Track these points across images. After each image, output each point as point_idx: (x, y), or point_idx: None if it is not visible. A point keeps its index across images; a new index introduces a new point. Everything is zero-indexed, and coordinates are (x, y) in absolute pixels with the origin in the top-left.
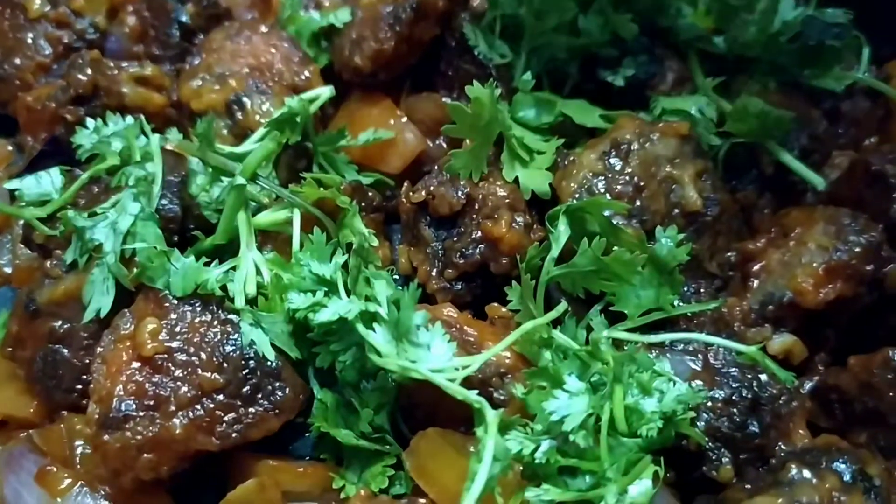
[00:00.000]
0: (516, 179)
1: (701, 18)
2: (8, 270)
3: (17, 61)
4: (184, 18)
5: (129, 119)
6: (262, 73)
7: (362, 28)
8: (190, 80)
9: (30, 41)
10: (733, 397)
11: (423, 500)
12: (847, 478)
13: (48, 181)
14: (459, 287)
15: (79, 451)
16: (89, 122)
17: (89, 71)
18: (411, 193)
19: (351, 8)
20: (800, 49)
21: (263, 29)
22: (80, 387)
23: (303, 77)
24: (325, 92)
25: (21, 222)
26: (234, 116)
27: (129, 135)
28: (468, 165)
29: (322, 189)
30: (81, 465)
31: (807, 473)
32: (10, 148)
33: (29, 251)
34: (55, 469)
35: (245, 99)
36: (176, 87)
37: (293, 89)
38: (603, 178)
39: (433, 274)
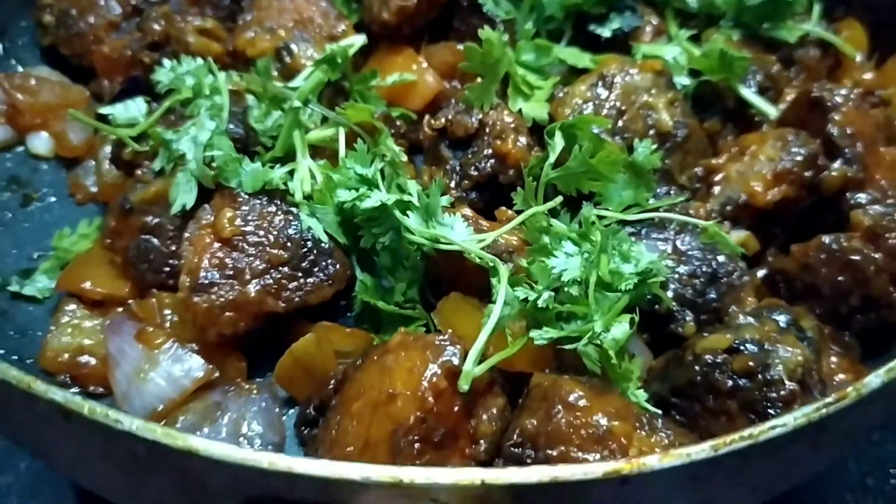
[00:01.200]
0: (520, 110)
1: None
2: (93, 189)
3: (91, 20)
4: None
5: (199, 60)
6: (304, 26)
7: None
8: (244, 32)
9: (102, 2)
10: (695, 272)
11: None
12: (782, 324)
13: (135, 108)
14: (473, 196)
15: (168, 318)
16: (166, 62)
17: (163, 22)
18: (433, 121)
19: None
20: (759, 5)
21: None
22: (167, 269)
23: (339, 29)
24: (360, 39)
25: (108, 146)
26: (283, 61)
27: (199, 73)
28: (480, 97)
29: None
30: (171, 329)
31: (751, 319)
32: (87, 93)
33: (115, 170)
34: (151, 329)
35: (293, 45)
36: (230, 38)
37: (331, 39)
38: (591, 104)
39: (451, 185)
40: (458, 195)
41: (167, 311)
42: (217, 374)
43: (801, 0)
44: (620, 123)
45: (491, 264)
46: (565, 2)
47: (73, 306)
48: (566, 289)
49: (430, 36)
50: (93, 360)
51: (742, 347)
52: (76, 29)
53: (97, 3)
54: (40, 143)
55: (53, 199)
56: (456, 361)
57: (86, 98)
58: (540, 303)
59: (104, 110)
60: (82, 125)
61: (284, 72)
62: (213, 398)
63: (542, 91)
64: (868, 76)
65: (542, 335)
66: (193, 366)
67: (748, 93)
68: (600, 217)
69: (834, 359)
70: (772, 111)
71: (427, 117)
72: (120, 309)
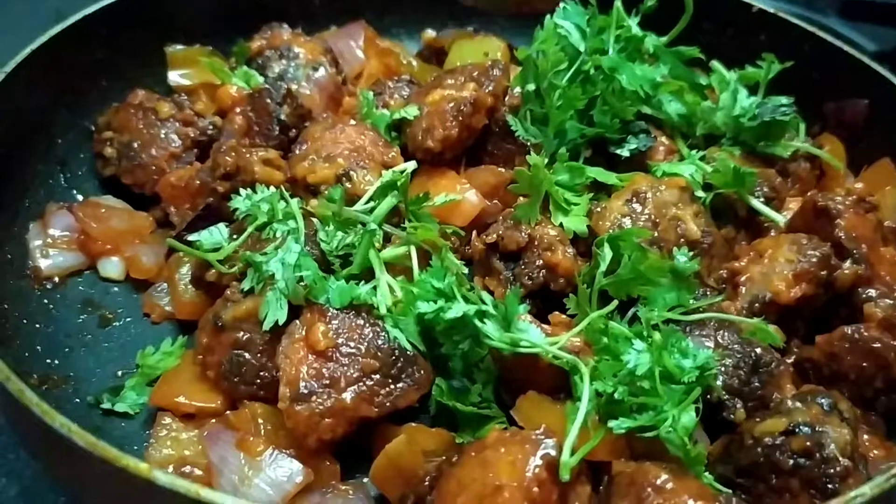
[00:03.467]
0: (561, 224)
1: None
2: (168, 308)
3: (153, 152)
4: (282, 117)
5: (271, 188)
6: (358, 154)
7: (431, 119)
8: (302, 161)
9: (163, 136)
10: (739, 363)
11: None
12: (826, 407)
13: (218, 233)
14: (528, 303)
15: (262, 427)
16: (242, 191)
17: (233, 154)
18: (484, 236)
19: (418, 105)
20: (756, 126)
21: (352, 122)
22: (258, 381)
23: (389, 156)
24: (411, 165)
25: (183, 269)
26: (343, 186)
27: (273, 200)
28: (527, 214)
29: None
30: (265, 437)
31: (799, 404)
32: (150, 219)
33: (193, 290)
34: (251, 437)
35: (351, 172)
36: (287, 167)
37: (384, 165)
38: (629, 218)
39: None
40: None
41: (261, 420)
42: (313, 478)
43: (793, 122)
44: (656, 234)
45: (571, 363)
46: (586, 130)
47: (168, 420)
48: (638, 382)
49: (467, 159)
50: (197, 471)
51: (797, 430)
52: (138, 160)
53: (158, 136)
54: (112, 267)
55: (129, 318)
56: (553, 453)
57: (150, 224)
58: (616, 396)
59: (193, 237)
60: (154, 249)
61: (345, 197)
62: (313, 501)
63: (580, 207)
64: (858, 185)
65: (620, 425)
66: (294, 470)
67: (757, 203)
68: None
69: (865, 437)
70: (780, 218)
71: (475, 233)
72: (214, 420)
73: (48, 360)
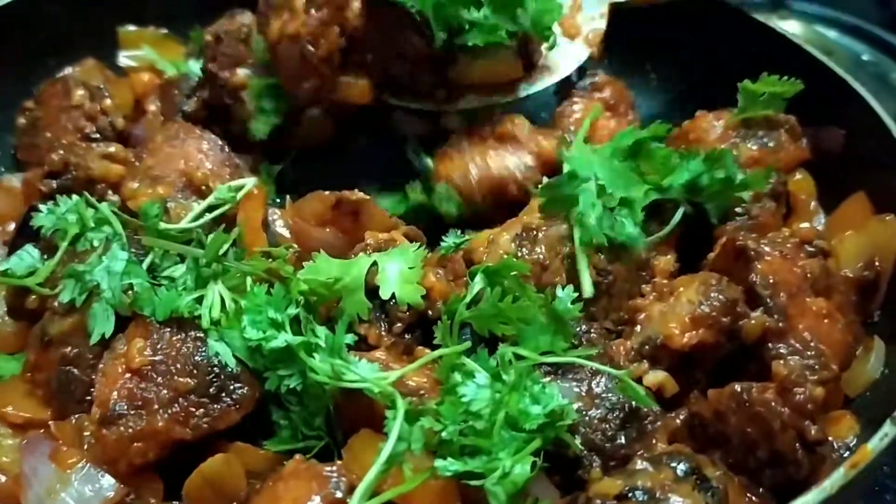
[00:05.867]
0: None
1: None
2: None
3: (48, 135)
4: (186, 108)
5: (74, 197)
6: (188, 178)
7: None
8: (132, 180)
9: (62, 122)
10: (607, 416)
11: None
12: (680, 473)
13: (28, 256)
14: (408, 337)
15: (87, 440)
16: (41, 206)
17: (62, 150)
18: None
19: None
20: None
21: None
22: (89, 398)
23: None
24: (250, 181)
25: None
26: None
27: (79, 209)
28: None
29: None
30: (88, 451)
31: (647, 465)
32: None
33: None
34: (66, 448)
35: (170, 204)
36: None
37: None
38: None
39: (382, 333)
40: (392, 340)
41: (86, 434)
42: (132, 496)
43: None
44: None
45: (390, 397)
46: None
47: None
48: (471, 422)
49: None
50: (2, 478)
51: (631, 495)
52: (35, 139)
53: (59, 121)
54: None
55: None
56: (339, 494)
57: None
58: (445, 434)
59: (2, 266)
60: None
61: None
62: None
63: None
64: (805, 226)
65: (447, 466)
66: (104, 485)
67: None
68: (518, 357)
69: None
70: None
71: None
72: (42, 430)
73: None
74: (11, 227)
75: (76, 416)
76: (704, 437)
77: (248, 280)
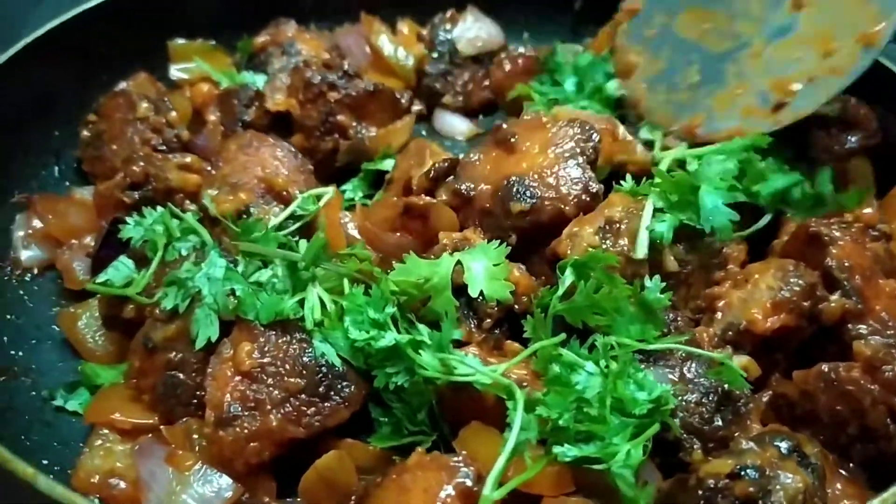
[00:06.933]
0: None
1: None
2: None
3: (115, 147)
4: (247, 118)
5: (159, 208)
6: (267, 185)
7: None
8: (210, 186)
9: (129, 135)
10: (703, 400)
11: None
12: (784, 451)
13: (124, 267)
14: (497, 332)
15: (197, 443)
16: (128, 218)
17: (142, 162)
18: None
19: None
20: None
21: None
22: (195, 401)
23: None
24: (330, 190)
25: (83, 321)
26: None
27: (164, 219)
28: None
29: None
30: (200, 453)
31: (753, 445)
32: None
33: (105, 337)
34: (181, 452)
35: (252, 209)
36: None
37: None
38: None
39: (472, 329)
40: (483, 336)
41: (196, 436)
42: (247, 495)
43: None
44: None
45: (507, 388)
46: None
47: (106, 431)
48: (585, 408)
49: None
50: (122, 484)
51: (743, 473)
52: (100, 152)
53: (126, 133)
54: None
55: None
56: (469, 483)
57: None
58: (561, 422)
59: (101, 278)
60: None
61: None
62: None
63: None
64: (867, 211)
65: (565, 452)
66: (223, 486)
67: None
68: (611, 346)
69: (839, 485)
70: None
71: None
72: (150, 435)
73: (13, 352)
74: (87, 239)
75: (184, 419)
76: (791, 417)
77: (346, 282)
